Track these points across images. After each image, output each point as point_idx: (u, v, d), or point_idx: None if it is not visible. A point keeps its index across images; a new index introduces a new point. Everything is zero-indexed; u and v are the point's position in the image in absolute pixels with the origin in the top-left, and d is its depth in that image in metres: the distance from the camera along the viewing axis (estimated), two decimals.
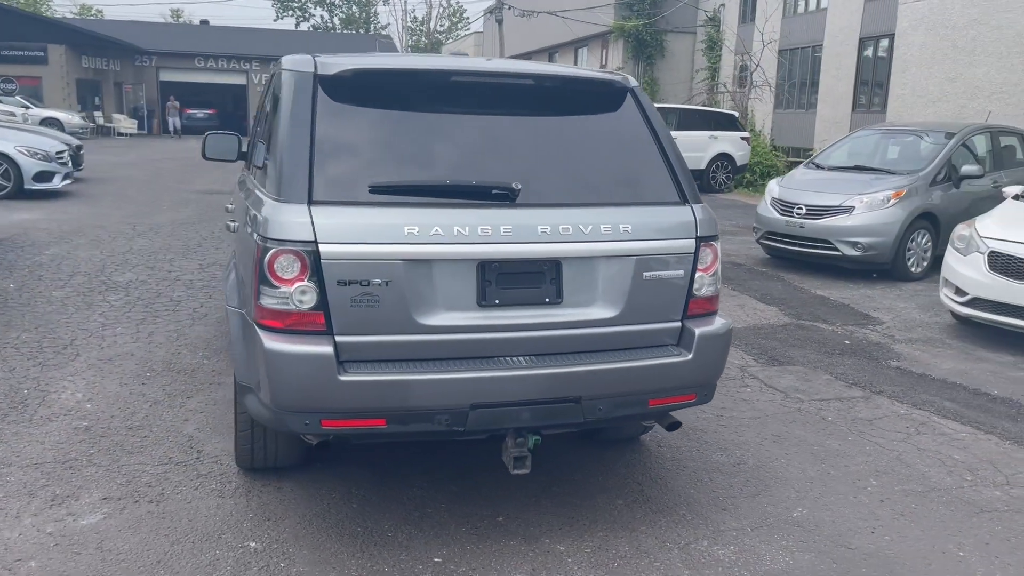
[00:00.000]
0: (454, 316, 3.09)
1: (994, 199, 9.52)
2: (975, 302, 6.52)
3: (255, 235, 3.13)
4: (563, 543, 3.39)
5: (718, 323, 3.43)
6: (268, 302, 3.03)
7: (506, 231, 3.10)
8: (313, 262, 2.96)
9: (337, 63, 3.33)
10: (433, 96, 3.40)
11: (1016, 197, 7.27)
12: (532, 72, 3.46)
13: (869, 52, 21.68)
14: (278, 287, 3.00)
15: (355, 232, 2.99)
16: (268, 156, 3.49)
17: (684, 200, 3.45)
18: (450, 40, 68.50)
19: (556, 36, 36.02)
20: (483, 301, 3.12)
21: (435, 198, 3.15)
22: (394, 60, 3.46)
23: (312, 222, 2.97)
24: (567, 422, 3.24)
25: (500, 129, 3.40)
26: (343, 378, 2.94)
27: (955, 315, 7.09)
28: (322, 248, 2.95)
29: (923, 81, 16.91)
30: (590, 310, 3.24)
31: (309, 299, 2.97)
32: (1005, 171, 9.93)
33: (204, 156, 5.45)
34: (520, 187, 3.19)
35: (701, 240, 3.38)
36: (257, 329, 3.07)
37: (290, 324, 3.01)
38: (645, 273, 3.28)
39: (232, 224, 4.20)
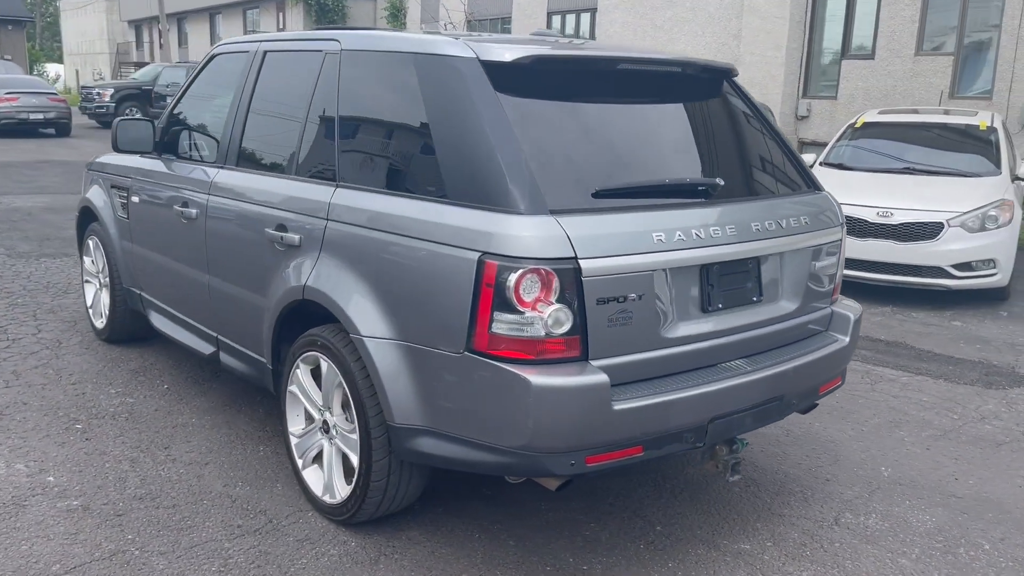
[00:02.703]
0: (687, 326, 2.89)
1: None
2: None
3: (465, 252, 2.65)
4: (741, 541, 3.35)
5: (856, 305, 3.57)
6: (504, 329, 2.60)
7: (731, 231, 2.95)
8: (570, 281, 2.59)
9: (501, 48, 2.91)
10: (601, 86, 3.10)
11: (822, 164, 8.29)
12: (675, 59, 3.28)
13: (559, 25, 23.08)
14: (522, 312, 2.58)
15: (610, 243, 2.66)
16: (407, 154, 2.95)
17: (817, 187, 3.52)
18: None
19: None
20: (708, 307, 2.95)
21: (656, 200, 2.89)
22: (548, 46, 3.08)
23: (567, 235, 2.59)
24: (769, 422, 3.19)
25: (662, 119, 3.20)
26: (616, 407, 2.63)
27: None
28: (583, 264, 2.59)
29: None
30: (779, 305, 3.21)
31: (564, 322, 2.60)
32: None
33: (116, 148, 4.45)
34: (722, 183, 3.05)
35: (842, 227, 3.49)
36: (494, 363, 2.62)
37: (542, 353, 2.61)
38: (816, 263, 3.32)
39: (280, 234, 3.45)
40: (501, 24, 25.42)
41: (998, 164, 7.75)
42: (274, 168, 3.64)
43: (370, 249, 3.00)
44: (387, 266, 2.94)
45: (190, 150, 4.35)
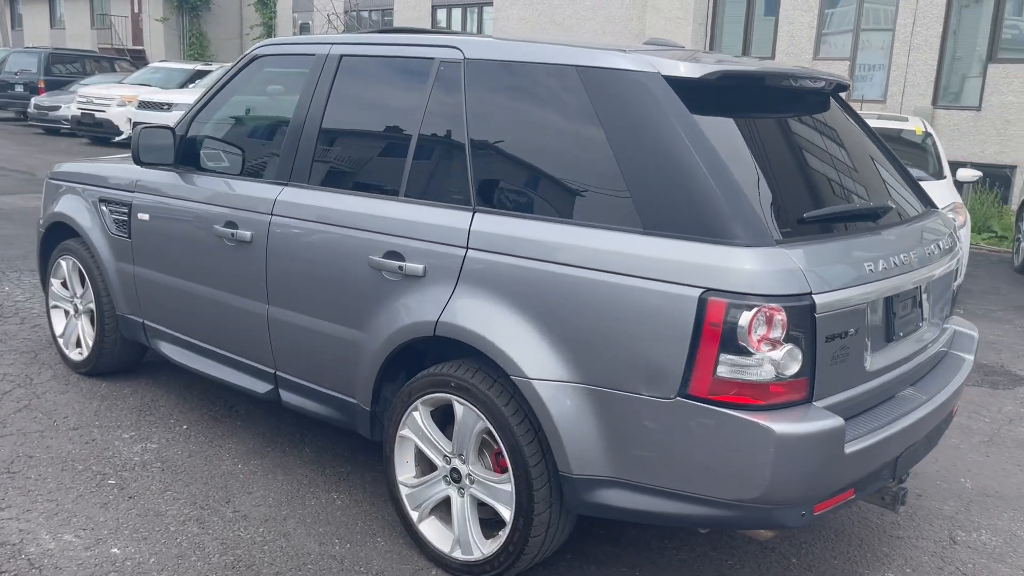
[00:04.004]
0: (879, 357, 2.77)
1: None
2: None
3: (681, 288, 2.43)
4: (882, 570, 3.28)
5: (970, 324, 3.56)
6: (731, 373, 2.40)
7: (914, 256, 2.86)
8: (804, 318, 2.41)
9: (677, 62, 2.68)
10: (767, 103, 2.94)
11: None
12: (821, 74, 3.13)
13: (445, 20, 22.72)
14: (752, 353, 2.38)
15: (835, 275, 2.50)
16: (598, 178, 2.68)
17: (934, 205, 3.48)
18: None
19: None
20: (893, 336, 2.83)
21: (848, 225, 2.76)
22: (727, 62, 2.87)
23: (801, 269, 2.40)
24: (931, 450, 3.12)
25: (817, 137, 3.06)
26: (848, 450, 2.48)
27: None
28: (817, 299, 2.41)
29: None
30: (930, 330, 3.14)
31: (795, 364, 2.41)
32: None
33: (139, 160, 3.91)
34: (893, 205, 2.95)
35: (960, 245, 3.47)
36: (721, 409, 2.41)
37: (772, 397, 2.41)
38: (953, 284, 3.28)
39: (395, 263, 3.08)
40: (383, 16, 24.79)
41: (940, 168, 8.13)
42: (370, 188, 3.25)
43: (536, 282, 2.70)
44: (562, 301, 2.65)
45: (227, 163, 3.85)
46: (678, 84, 2.64)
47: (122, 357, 4.68)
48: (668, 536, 3.41)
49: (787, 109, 3.02)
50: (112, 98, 17.33)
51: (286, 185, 3.52)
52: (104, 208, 4.41)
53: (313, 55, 3.56)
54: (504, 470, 2.89)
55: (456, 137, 3.02)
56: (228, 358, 3.87)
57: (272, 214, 3.50)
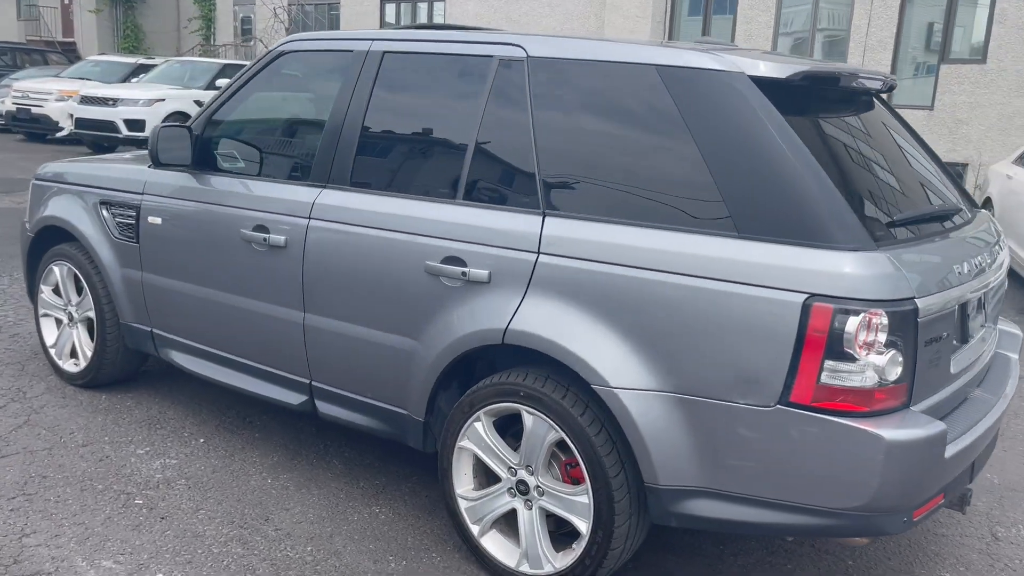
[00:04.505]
0: (957, 359, 2.76)
1: None
2: None
3: (784, 293, 2.38)
4: (939, 570, 3.29)
5: (1012, 323, 3.60)
6: (835, 380, 2.36)
7: (989, 258, 2.88)
8: (907, 323, 2.38)
9: (757, 61, 2.64)
10: (838, 104, 2.92)
11: None
12: (879, 75, 3.12)
13: (394, 14, 22.42)
14: (856, 359, 2.34)
15: (933, 279, 2.48)
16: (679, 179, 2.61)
17: (977, 205, 3.51)
18: None
19: None
20: (968, 337, 2.83)
21: (929, 227, 2.74)
22: (803, 60, 2.83)
23: (904, 273, 2.37)
24: (993, 448, 3.14)
25: (882, 137, 3.04)
26: (948, 454, 2.46)
27: None
28: (919, 304, 2.39)
29: None
30: (988, 331, 3.15)
31: (896, 369, 2.38)
32: None
33: (157, 161, 3.72)
34: (962, 207, 2.95)
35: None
36: (827, 417, 2.37)
37: (875, 403, 2.38)
38: (1004, 285, 3.30)
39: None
40: (328, 11, 24.35)
41: None
42: (422, 191, 3.12)
43: (618, 288, 2.62)
44: (648, 307, 2.57)
45: (252, 165, 3.66)
46: (763, 84, 2.59)
47: (123, 367, 4.46)
48: (723, 542, 3.37)
49: (846, 109, 3.00)
50: (50, 92, 16.60)
51: (324, 188, 3.36)
52: (106, 212, 4.18)
53: (351, 51, 3.41)
54: (575, 481, 2.81)
55: (521, 139, 2.91)
56: (254, 368, 3.70)
57: (310, 218, 3.35)
